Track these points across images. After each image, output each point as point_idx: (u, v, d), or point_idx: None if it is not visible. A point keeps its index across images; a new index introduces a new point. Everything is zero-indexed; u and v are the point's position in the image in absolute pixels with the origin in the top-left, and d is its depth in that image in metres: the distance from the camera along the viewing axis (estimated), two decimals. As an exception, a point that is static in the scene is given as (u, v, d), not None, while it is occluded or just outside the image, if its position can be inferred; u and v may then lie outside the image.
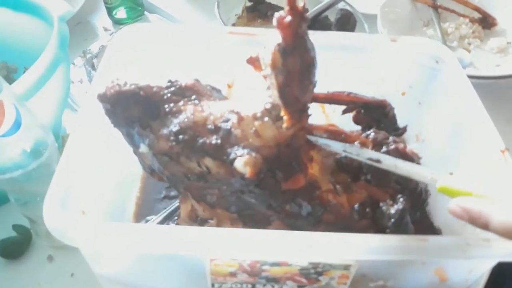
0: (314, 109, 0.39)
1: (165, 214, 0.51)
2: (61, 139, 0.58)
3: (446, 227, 0.44)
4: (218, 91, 0.45)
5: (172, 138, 0.38)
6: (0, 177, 0.43)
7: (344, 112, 0.48)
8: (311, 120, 0.39)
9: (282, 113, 0.36)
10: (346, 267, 0.36)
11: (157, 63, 0.50)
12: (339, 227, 0.37)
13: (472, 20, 0.82)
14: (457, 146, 0.47)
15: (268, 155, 0.37)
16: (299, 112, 0.37)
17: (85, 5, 0.82)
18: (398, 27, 0.79)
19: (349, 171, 0.40)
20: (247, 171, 0.35)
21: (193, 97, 0.41)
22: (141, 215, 0.52)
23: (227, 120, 0.38)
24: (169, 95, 0.40)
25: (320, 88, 0.43)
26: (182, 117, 0.39)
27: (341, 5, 0.73)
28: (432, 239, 0.34)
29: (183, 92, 0.41)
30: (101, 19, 0.87)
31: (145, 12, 0.88)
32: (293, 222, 0.39)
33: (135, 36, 0.50)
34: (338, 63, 0.51)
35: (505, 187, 0.38)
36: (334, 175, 0.40)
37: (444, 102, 0.49)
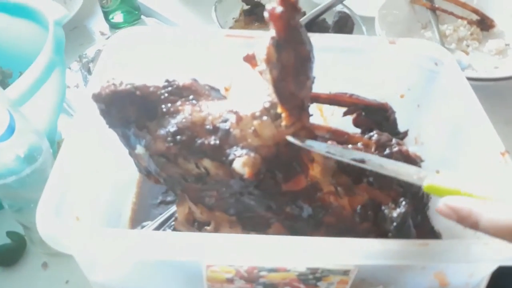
0: (312, 111, 0.39)
1: (161, 219, 0.50)
2: (56, 144, 0.58)
3: (447, 231, 0.44)
4: (217, 90, 0.44)
5: (169, 138, 0.38)
6: (-7, 183, 0.43)
7: (345, 114, 0.48)
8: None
9: (279, 110, 0.35)
10: (345, 272, 0.35)
11: (153, 65, 0.50)
12: (340, 230, 0.37)
13: (470, 22, 0.82)
14: (456, 148, 0.46)
15: (267, 155, 0.36)
16: (298, 110, 0.36)
17: (81, 9, 0.82)
18: (396, 29, 0.79)
19: (351, 173, 0.39)
20: (245, 171, 0.35)
21: (191, 97, 0.40)
22: (137, 220, 0.52)
23: (225, 120, 0.37)
24: (166, 95, 0.40)
25: (318, 90, 0.43)
26: (179, 117, 0.38)
27: (338, 7, 0.73)
28: (432, 243, 0.34)
29: (181, 92, 0.40)
30: (97, 24, 0.87)
31: (142, 16, 0.87)
32: (293, 225, 0.39)
33: (132, 39, 0.50)
34: (336, 65, 0.51)
35: (506, 190, 0.38)
36: (335, 177, 0.40)
37: (443, 104, 0.49)
